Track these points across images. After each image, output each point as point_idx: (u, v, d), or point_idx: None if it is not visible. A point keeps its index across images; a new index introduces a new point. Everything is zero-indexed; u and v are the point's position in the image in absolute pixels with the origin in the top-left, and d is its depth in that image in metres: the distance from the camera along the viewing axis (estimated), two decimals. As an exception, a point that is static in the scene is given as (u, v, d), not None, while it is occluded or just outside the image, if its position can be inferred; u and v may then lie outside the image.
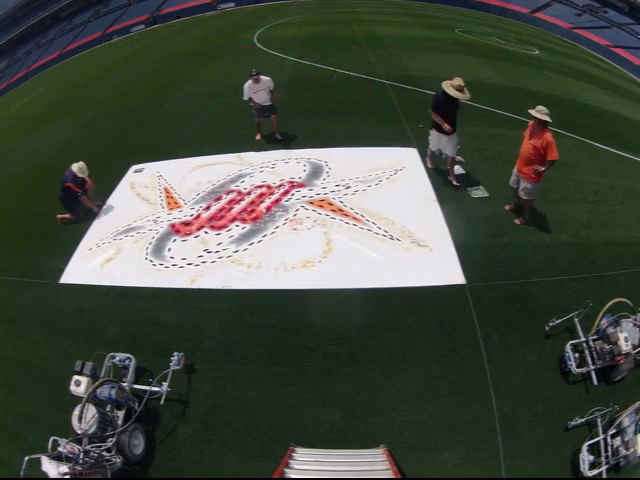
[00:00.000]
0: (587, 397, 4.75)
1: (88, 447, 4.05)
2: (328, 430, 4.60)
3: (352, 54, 16.48)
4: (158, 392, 4.66)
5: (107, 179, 9.06)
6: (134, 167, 9.41)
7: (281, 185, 7.98)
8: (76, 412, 4.13)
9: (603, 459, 4.00)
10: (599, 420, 4.23)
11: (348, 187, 7.74)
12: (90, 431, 4.08)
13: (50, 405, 5.15)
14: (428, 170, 8.09)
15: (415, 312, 5.60)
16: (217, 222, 7.34)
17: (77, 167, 7.86)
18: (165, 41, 28.10)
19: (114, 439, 4.17)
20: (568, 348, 4.81)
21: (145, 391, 4.65)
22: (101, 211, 8.10)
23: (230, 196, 7.90)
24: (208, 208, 7.69)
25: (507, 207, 7.27)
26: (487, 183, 7.82)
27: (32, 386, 5.45)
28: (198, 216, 7.54)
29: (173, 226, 7.39)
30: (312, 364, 5.16)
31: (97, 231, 7.63)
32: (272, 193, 7.81)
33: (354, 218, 7.04)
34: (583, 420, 4.33)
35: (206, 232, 7.17)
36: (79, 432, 4.07)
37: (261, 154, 9.06)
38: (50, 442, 4.06)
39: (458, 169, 8.03)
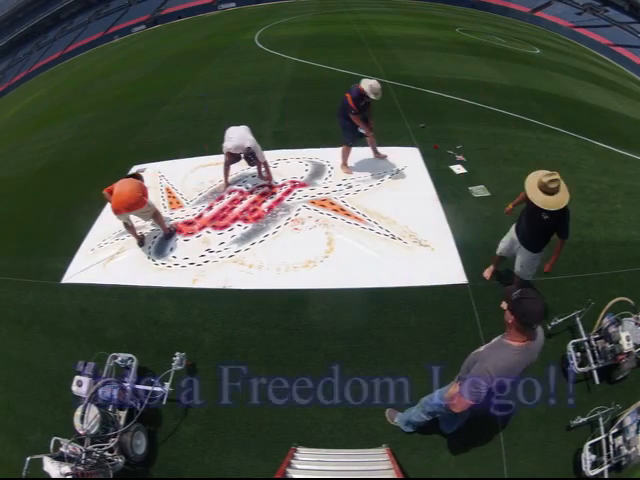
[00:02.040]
0: (589, 396, 4.74)
1: (90, 447, 4.04)
2: (330, 430, 4.60)
3: (353, 54, 16.48)
4: (160, 392, 4.65)
5: (109, 179, 9.02)
6: (136, 167, 9.40)
7: (283, 184, 7.99)
8: (78, 412, 4.13)
9: (605, 458, 3.99)
10: (601, 419, 4.22)
11: (350, 187, 7.74)
12: (92, 431, 4.08)
13: (52, 405, 5.15)
14: (430, 169, 8.08)
15: (417, 312, 5.60)
16: (219, 222, 7.35)
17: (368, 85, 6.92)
18: (166, 41, 28.15)
19: (116, 439, 4.17)
20: (570, 347, 4.81)
21: (147, 391, 4.65)
22: (103, 211, 8.10)
23: (232, 195, 7.91)
24: (210, 208, 7.70)
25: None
26: (489, 182, 7.81)
27: (34, 386, 5.45)
28: (200, 216, 7.55)
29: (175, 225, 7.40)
30: (314, 364, 5.15)
31: (99, 231, 7.63)
32: (274, 192, 7.82)
33: (356, 218, 7.05)
34: (585, 419, 4.32)
35: (208, 232, 7.18)
36: (81, 432, 4.07)
37: (263, 154, 9.04)
38: (52, 442, 4.06)
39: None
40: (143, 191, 6.50)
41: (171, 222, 7.43)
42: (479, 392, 3.02)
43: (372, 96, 6.89)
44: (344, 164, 8.13)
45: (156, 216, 6.84)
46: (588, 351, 4.79)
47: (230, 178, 8.29)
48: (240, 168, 8.60)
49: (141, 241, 7.08)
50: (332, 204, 7.41)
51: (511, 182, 7.94)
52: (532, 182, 4.24)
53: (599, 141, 9.89)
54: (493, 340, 3.31)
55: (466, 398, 3.08)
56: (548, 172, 4.16)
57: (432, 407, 3.89)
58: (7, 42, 50.75)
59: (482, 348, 3.35)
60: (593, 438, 4.21)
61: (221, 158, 8.23)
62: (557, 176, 4.12)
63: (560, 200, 4.13)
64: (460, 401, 3.14)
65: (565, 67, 18.91)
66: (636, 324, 4.68)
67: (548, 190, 4.10)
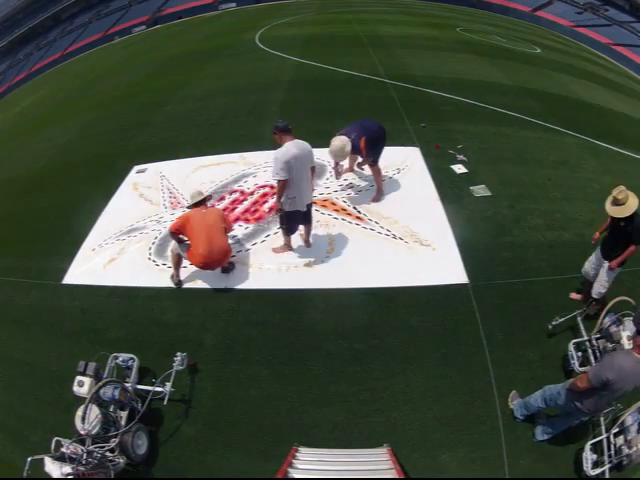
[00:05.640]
0: (590, 396, 4.74)
1: (91, 447, 4.05)
2: (331, 430, 4.60)
3: (354, 54, 16.48)
4: (161, 392, 4.66)
5: (110, 180, 9.07)
6: (137, 167, 9.42)
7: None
8: (79, 413, 4.14)
9: (606, 458, 3.99)
10: (602, 419, 4.22)
11: (351, 186, 7.74)
12: (93, 431, 4.08)
13: (53, 406, 5.15)
14: (431, 169, 8.08)
15: (418, 311, 5.60)
16: (220, 222, 7.34)
17: None
18: (166, 42, 28.15)
19: (117, 439, 4.17)
20: (571, 347, 4.80)
21: (148, 391, 4.65)
22: (104, 211, 8.10)
23: (233, 196, 7.91)
24: (210, 208, 7.69)
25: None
26: (489, 182, 7.81)
27: (35, 387, 5.45)
28: (200, 216, 7.54)
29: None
30: (315, 364, 5.16)
31: (100, 231, 7.63)
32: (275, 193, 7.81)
33: (357, 217, 7.05)
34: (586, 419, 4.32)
35: (208, 232, 7.17)
36: (82, 433, 4.08)
37: (264, 154, 9.04)
38: (53, 443, 4.06)
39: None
40: (225, 220, 5.96)
41: None
42: (600, 375, 3.56)
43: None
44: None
45: None
46: (589, 351, 4.78)
47: (232, 178, 8.31)
48: (241, 169, 8.61)
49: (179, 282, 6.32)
50: (333, 204, 7.41)
51: (512, 182, 7.96)
52: (608, 200, 4.83)
53: (600, 141, 9.89)
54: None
55: (590, 377, 3.64)
56: (616, 188, 4.72)
57: (551, 391, 4.23)
58: (7, 42, 50.76)
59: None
60: (594, 438, 4.21)
61: (221, 158, 8.27)
62: (623, 189, 4.70)
63: (632, 203, 4.66)
64: (583, 379, 3.71)
65: (565, 66, 18.89)
66: (637, 324, 4.68)
67: (618, 202, 4.69)
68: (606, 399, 3.77)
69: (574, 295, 5.81)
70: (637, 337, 3.62)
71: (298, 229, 6.36)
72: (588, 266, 5.46)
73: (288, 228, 6.18)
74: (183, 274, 6.38)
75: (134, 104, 14.63)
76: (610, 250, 5.09)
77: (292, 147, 5.34)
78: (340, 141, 6.50)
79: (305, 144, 5.57)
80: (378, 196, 7.45)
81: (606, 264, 5.13)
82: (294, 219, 6.01)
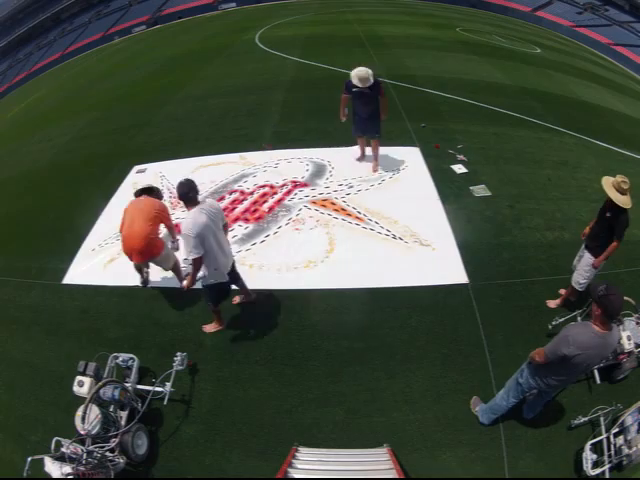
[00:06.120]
0: (590, 396, 4.74)
1: (91, 447, 4.04)
2: (331, 430, 4.60)
3: (354, 53, 16.48)
4: (161, 392, 4.66)
5: (110, 180, 9.07)
6: (136, 167, 9.42)
7: (284, 185, 7.98)
8: (79, 413, 4.13)
9: (606, 458, 3.98)
10: (602, 419, 4.21)
11: (351, 186, 7.74)
12: (93, 431, 4.07)
13: (53, 406, 5.14)
14: (431, 169, 8.08)
15: (418, 311, 5.60)
16: (219, 222, 7.34)
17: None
18: (166, 42, 28.15)
19: (117, 439, 4.17)
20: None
21: (148, 391, 4.64)
22: (104, 211, 8.10)
23: (233, 196, 7.91)
24: (210, 208, 7.67)
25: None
26: (489, 182, 7.81)
27: (35, 387, 5.44)
28: (200, 216, 7.52)
29: (176, 226, 7.37)
30: (315, 364, 5.16)
31: (100, 231, 7.63)
32: (275, 193, 7.81)
33: (357, 217, 7.05)
34: (586, 419, 4.31)
35: (208, 232, 7.17)
36: (82, 432, 4.07)
37: (264, 154, 9.06)
38: (53, 443, 4.06)
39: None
40: (160, 214, 5.35)
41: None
42: (556, 350, 3.56)
43: (355, 81, 6.90)
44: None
45: (175, 267, 5.88)
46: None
47: (231, 178, 8.31)
48: (241, 169, 8.61)
49: (145, 281, 6.11)
50: (333, 204, 7.41)
51: (512, 181, 7.96)
52: (608, 182, 4.82)
53: (599, 140, 9.90)
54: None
55: (545, 350, 3.66)
56: (621, 176, 4.75)
57: (510, 383, 4.28)
58: (7, 43, 50.77)
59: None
60: (594, 438, 4.20)
61: (221, 158, 8.24)
62: (628, 180, 4.72)
63: (627, 200, 4.69)
64: (540, 352, 3.71)
65: (565, 66, 18.92)
66: (637, 324, 4.68)
67: (620, 190, 4.68)
68: (571, 371, 3.78)
69: (562, 290, 5.76)
70: (594, 308, 3.48)
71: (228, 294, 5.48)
72: (575, 260, 5.45)
73: (216, 301, 5.31)
74: (184, 274, 6.37)
75: (134, 104, 14.64)
76: (590, 239, 5.13)
77: (199, 216, 4.46)
78: (367, 68, 6.96)
79: (212, 203, 4.77)
80: (376, 166, 8.11)
81: (586, 253, 5.13)
82: (222, 289, 5.18)
